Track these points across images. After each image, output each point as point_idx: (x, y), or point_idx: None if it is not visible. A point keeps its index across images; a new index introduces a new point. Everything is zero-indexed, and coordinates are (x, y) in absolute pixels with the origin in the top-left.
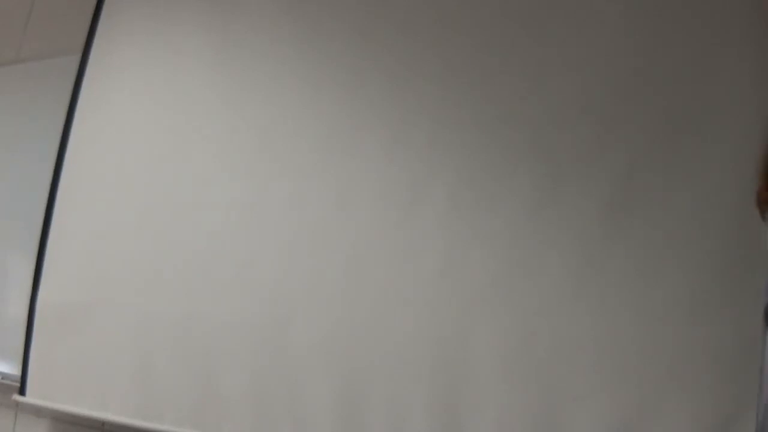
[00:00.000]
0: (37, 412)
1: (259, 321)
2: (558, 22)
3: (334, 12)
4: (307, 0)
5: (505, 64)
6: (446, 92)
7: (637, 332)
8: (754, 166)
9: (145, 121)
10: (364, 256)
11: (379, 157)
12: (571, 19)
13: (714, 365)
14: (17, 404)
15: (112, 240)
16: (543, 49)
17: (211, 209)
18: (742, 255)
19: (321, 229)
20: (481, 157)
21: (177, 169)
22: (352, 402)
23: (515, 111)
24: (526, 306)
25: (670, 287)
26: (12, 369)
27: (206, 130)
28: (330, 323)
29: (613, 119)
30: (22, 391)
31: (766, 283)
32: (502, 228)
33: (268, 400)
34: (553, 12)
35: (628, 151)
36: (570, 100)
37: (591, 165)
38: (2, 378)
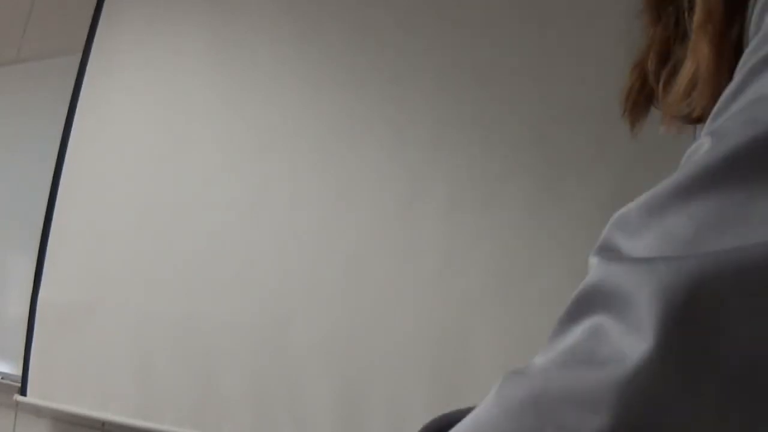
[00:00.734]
0: (38, 412)
1: (259, 321)
2: (557, 22)
3: (334, 11)
4: (306, 2)
5: (506, 64)
6: (446, 92)
7: None
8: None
9: (145, 120)
10: (364, 255)
11: (379, 157)
12: (571, 19)
13: None
14: (17, 404)
15: (112, 240)
16: (544, 48)
17: (211, 209)
18: None
19: (321, 229)
20: (481, 157)
21: (177, 168)
22: (352, 402)
23: (516, 110)
24: (525, 306)
25: None
26: (12, 369)
27: (206, 129)
28: (330, 323)
29: (613, 119)
30: (22, 391)
31: None
32: (502, 227)
33: (268, 400)
34: (553, 11)
35: (628, 150)
36: (571, 100)
37: (591, 164)
38: (3, 378)
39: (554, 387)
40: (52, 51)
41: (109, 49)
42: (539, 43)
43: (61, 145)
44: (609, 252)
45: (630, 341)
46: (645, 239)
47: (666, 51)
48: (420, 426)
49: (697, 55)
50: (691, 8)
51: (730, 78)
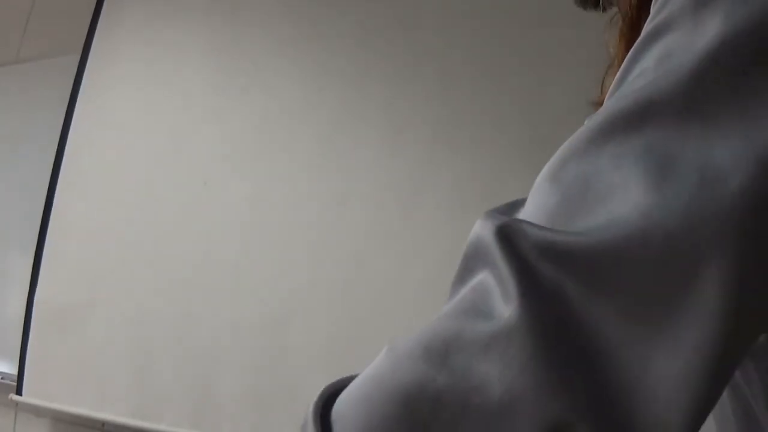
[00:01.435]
0: (37, 411)
1: (259, 321)
2: (556, 22)
3: (335, 11)
4: (305, 2)
5: (504, 66)
6: (447, 91)
7: None
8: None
9: (144, 120)
10: (365, 255)
11: (380, 157)
12: (569, 20)
13: None
14: (17, 404)
15: (110, 239)
16: (541, 50)
17: (211, 209)
18: None
19: (321, 229)
20: (482, 156)
21: (176, 168)
22: None
23: (517, 110)
24: None
25: None
26: (10, 368)
27: (206, 129)
28: (330, 323)
29: None
30: (18, 390)
31: None
32: None
33: (268, 400)
34: (551, 12)
35: None
36: (571, 100)
37: None
38: (2, 378)
39: (442, 334)
40: (52, 51)
41: (109, 49)
42: (540, 42)
43: (59, 144)
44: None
45: (500, 303)
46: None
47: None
48: None
49: (619, 56)
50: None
51: None
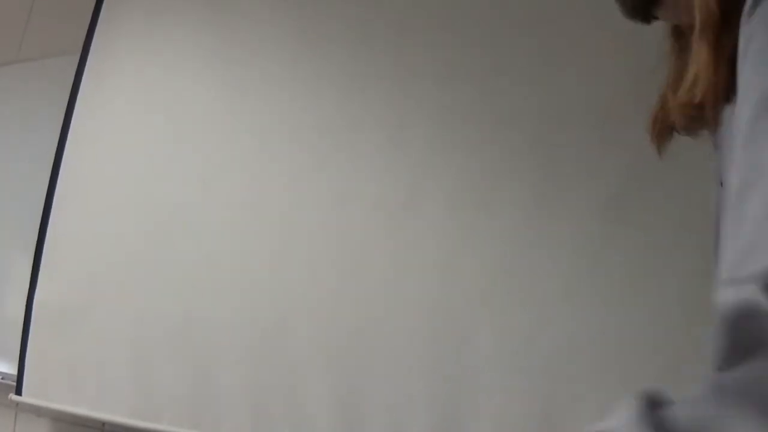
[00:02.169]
0: (37, 411)
1: (258, 321)
2: (557, 22)
3: (333, 14)
4: (306, 4)
5: (504, 65)
6: (445, 93)
7: (636, 332)
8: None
9: (143, 121)
10: (363, 256)
11: (378, 158)
12: (570, 20)
13: None
14: (17, 404)
15: (110, 239)
16: (542, 50)
17: (210, 209)
18: None
19: (319, 229)
20: (480, 158)
21: (175, 168)
22: (352, 402)
23: (514, 112)
24: (525, 307)
25: (670, 288)
26: (10, 369)
27: (205, 130)
28: (329, 323)
29: (612, 120)
30: (19, 390)
31: None
32: (501, 229)
33: (267, 400)
34: (551, 12)
35: (628, 151)
36: (569, 101)
37: (590, 165)
38: (2, 378)
39: None
40: (52, 51)
41: (109, 49)
42: (540, 44)
43: (59, 144)
44: None
45: None
46: None
47: (680, 78)
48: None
49: (697, 59)
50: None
51: (728, 73)
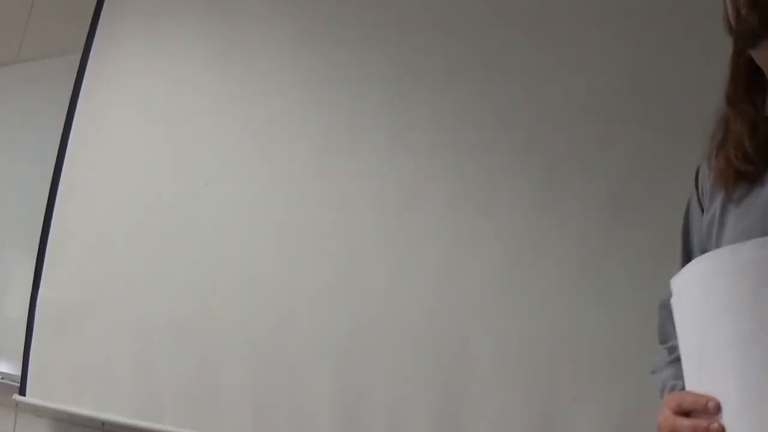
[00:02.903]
0: (37, 411)
1: (259, 321)
2: (556, 23)
3: (334, 17)
4: (306, 5)
5: (504, 67)
6: (445, 95)
7: (637, 333)
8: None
9: (145, 121)
10: (364, 258)
11: (380, 158)
12: (569, 20)
13: None
14: (17, 404)
15: (112, 239)
16: (541, 51)
17: (212, 209)
18: None
19: (320, 231)
20: (480, 160)
21: (177, 169)
22: (352, 403)
23: (514, 113)
24: (525, 307)
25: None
26: (12, 369)
27: (207, 130)
28: (330, 324)
29: (613, 118)
30: (21, 390)
31: None
32: (501, 229)
33: (268, 400)
34: (551, 13)
35: (627, 151)
36: (568, 102)
37: (590, 166)
38: (2, 378)
39: None
40: (52, 51)
41: (109, 49)
42: (539, 45)
43: (60, 145)
44: None
45: None
46: None
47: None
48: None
49: None
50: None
51: None
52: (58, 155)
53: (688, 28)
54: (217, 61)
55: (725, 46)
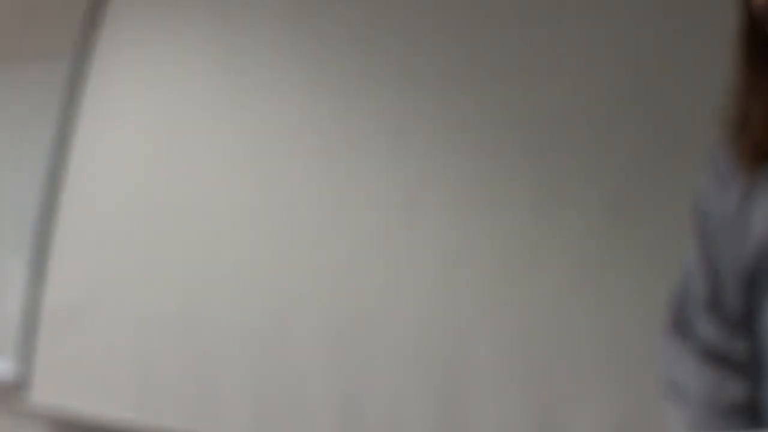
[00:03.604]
0: (38, 412)
1: (259, 322)
2: (556, 23)
3: (334, 19)
4: (307, 7)
5: (506, 67)
6: (445, 95)
7: (638, 333)
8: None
9: (145, 122)
10: (365, 257)
11: (380, 160)
12: (569, 21)
13: None
14: (18, 404)
15: (113, 240)
16: (542, 52)
17: (212, 210)
18: None
19: (320, 232)
20: (482, 159)
21: (178, 169)
22: (352, 402)
23: (515, 113)
24: (526, 306)
25: (672, 287)
26: (12, 369)
27: (207, 130)
28: (330, 323)
29: (613, 120)
30: (23, 390)
31: None
32: (502, 229)
33: (269, 400)
34: (550, 14)
35: (629, 150)
36: (570, 101)
37: (591, 165)
38: (3, 378)
39: None
40: (50, 52)
41: (109, 49)
42: (539, 45)
43: (60, 145)
44: None
45: None
46: None
47: None
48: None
49: None
50: None
51: None
52: (58, 155)
53: (688, 28)
54: (217, 63)
55: (725, 47)
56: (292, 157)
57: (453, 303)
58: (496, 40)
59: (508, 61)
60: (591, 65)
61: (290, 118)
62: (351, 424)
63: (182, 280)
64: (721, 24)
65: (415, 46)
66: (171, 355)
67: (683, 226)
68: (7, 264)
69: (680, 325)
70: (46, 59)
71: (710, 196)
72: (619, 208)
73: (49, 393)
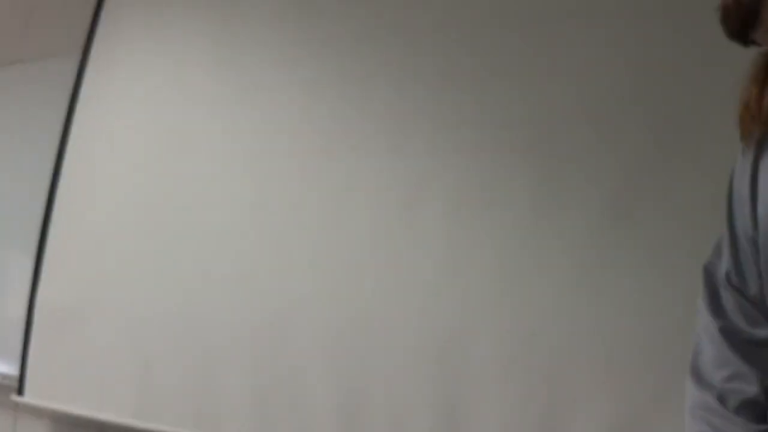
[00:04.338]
0: (37, 412)
1: (260, 321)
2: (555, 24)
3: (335, 17)
4: (307, 7)
5: (503, 68)
6: (446, 95)
7: (638, 332)
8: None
9: (144, 121)
10: (365, 256)
11: (381, 158)
12: (569, 21)
13: None
14: (17, 405)
15: (111, 240)
16: (542, 51)
17: (211, 209)
18: None
19: (321, 230)
20: (482, 159)
21: (176, 169)
22: (353, 402)
23: (513, 114)
24: (526, 306)
25: (673, 287)
26: (11, 369)
27: (206, 130)
28: (330, 324)
29: (613, 120)
30: (20, 391)
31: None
32: (502, 229)
33: (268, 400)
34: (550, 14)
35: (629, 150)
36: (570, 101)
37: (591, 165)
38: (2, 378)
39: None
40: (52, 51)
41: (109, 49)
42: (538, 46)
43: (60, 145)
44: None
45: None
46: None
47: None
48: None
49: None
50: None
51: None
52: (57, 155)
53: (688, 29)
54: (217, 62)
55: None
56: (292, 156)
57: (453, 302)
58: (496, 40)
59: (508, 61)
60: (591, 65)
61: (290, 118)
62: (351, 425)
63: (181, 280)
64: (720, 24)
65: (415, 45)
66: (170, 356)
67: (683, 225)
68: (8, 264)
69: (711, 299)
70: (47, 59)
71: (736, 174)
72: (619, 208)
73: (47, 393)
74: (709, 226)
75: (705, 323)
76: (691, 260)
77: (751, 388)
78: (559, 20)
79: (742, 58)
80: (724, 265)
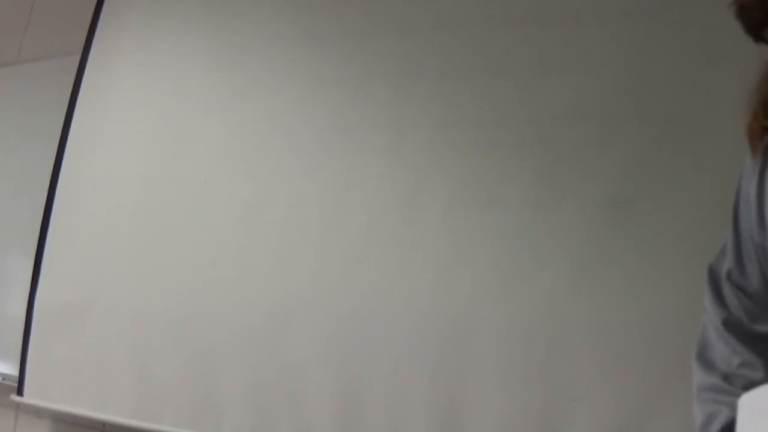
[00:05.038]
0: (38, 412)
1: (259, 321)
2: (555, 23)
3: (334, 15)
4: (306, 3)
5: (502, 67)
6: (446, 93)
7: (638, 331)
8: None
9: (144, 121)
10: (365, 255)
11: (381, 156)
12: (568, 20)
13: None
14: (18, 405)
15: (111, 239)
16: (540, 51)
17: (211, 208)
18: None
19: (321, 229)
20: (482, 157)
21: (176, 168)
22: (352, 402)
23: (512, 113)
24: (525, 303)
25: (672, 285)
26: (11, 369)
27: (206, 129)
28: (330, 323)
29: (612, 118)
30: (20, 391)
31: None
32: (503, 227)
33: (268, 399)
34: (549, 13)
35: (628, 149)
36: (570, 100)
37: (591, 164)
38: (2, 378)
39: None
40: (52, 51)
41: (109, 49)
42: (538, 45)
43: (60, 145)
44: None
45: None
46: None
47: None
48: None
49: None
50: None
51: None
52: (57, 155)
53: (688, 28)
54: (216, 60)
55: (726, 47)
56: (291, 153)
57: (452, 299)
58: (495, 39)
59: (508, 60)
60: (590, 64)
61: (289, 115)
62: (351, 422)
63: (181, 278)
64: (721, 24)
65: (413, 43)
66: (169, 355)
67: (681, 223)
68: (8, 264)
69: (715, 295)
70: (47, 59)
71: (744, 175)
72: (618, 206)
73: (47, 393)
74: (707, 223)
75: (711, 316)
76: (690, 257)
77: (757, 374)
78: (559, 20)
79: (742, 58)
80: (727, 263)
